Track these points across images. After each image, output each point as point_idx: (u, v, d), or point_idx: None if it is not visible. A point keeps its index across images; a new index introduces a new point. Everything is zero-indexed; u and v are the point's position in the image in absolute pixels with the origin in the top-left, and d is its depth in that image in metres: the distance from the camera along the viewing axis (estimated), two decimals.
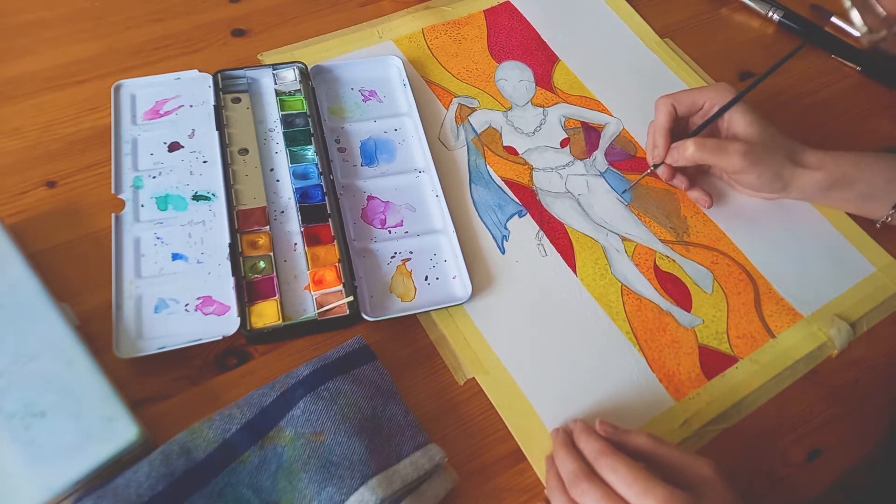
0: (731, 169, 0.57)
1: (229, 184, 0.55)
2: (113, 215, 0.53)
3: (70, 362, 0.44)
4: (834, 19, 0.77)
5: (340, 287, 0.52)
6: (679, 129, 0.60)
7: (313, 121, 0.60)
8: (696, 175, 0.62)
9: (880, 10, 0.70)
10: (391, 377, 0.48)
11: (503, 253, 0.56)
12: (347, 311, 0.50)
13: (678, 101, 0.58)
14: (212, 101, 0.60)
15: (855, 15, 0.74)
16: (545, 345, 0.52)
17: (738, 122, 0.57)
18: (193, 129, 0.59)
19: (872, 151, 0.58)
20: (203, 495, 0.42)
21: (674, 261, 0.57)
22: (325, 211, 0.55)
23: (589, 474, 0.41)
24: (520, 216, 0.58)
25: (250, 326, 0.49)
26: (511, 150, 0.63)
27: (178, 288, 0.51)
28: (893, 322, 0.56)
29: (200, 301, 0.51)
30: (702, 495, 0.40)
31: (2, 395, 0.42)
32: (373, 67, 0.66)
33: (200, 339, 0.48)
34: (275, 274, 0.52)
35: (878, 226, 0.60)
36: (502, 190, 0.60)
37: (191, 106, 0.61)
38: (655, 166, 0.59)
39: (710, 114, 0.58)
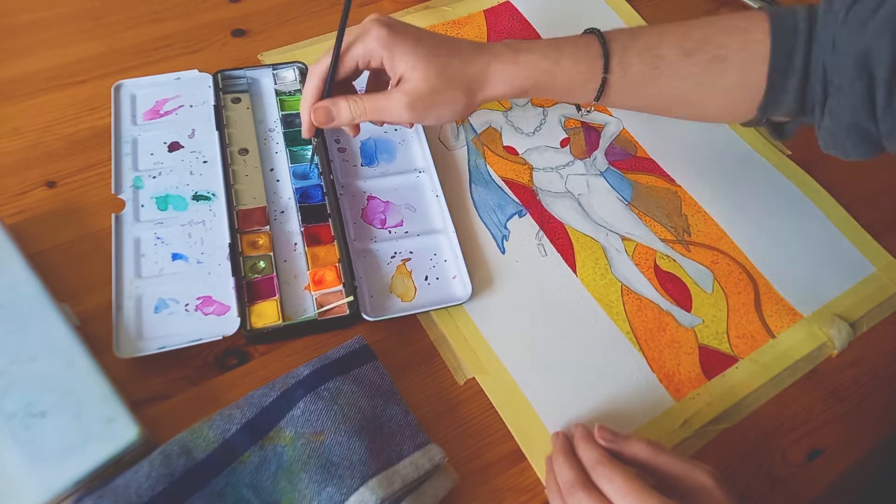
0: (401, 123, 0.52)
1: (229, 184, 0.55)
2: (113, 215, 0.53)
3: (70, 362, 0.44)
4: None
5: (340, 287, 0.52)
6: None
7: None
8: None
9: None
10: (391, 377, 0.48)
11: (503, 253, 0.56)
12: (347, 311, 0.50)
13: (342, 63, 0.49)
14: (212, 101, 0.60)
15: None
16: (545, 345, 0.52)
17: (400, 65, 0.48)
18: (193, 129, 0.59)
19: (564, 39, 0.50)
20: (203, 495, 0.42)
21: (674, 260, 0.57)
22: (325, 211, 0.55)
23: (585, 483, 0.41)
24: (520, 216, 0.58)
25: (250, 326, 0.49)
26: (511, 150, 0.63)
27: (178, 288, 0.51)
28: (893, 322, 0.56)
29: (200, 301, 0.51)
30: None
31: (2, 395, 0.42)
32: None
33: (200, 339, 0.48)
34: (275, 274, 0.52)
35: (581, 112, 0.57)
36: (502, 190, 0.60)
37: (191, 106, 0.61)
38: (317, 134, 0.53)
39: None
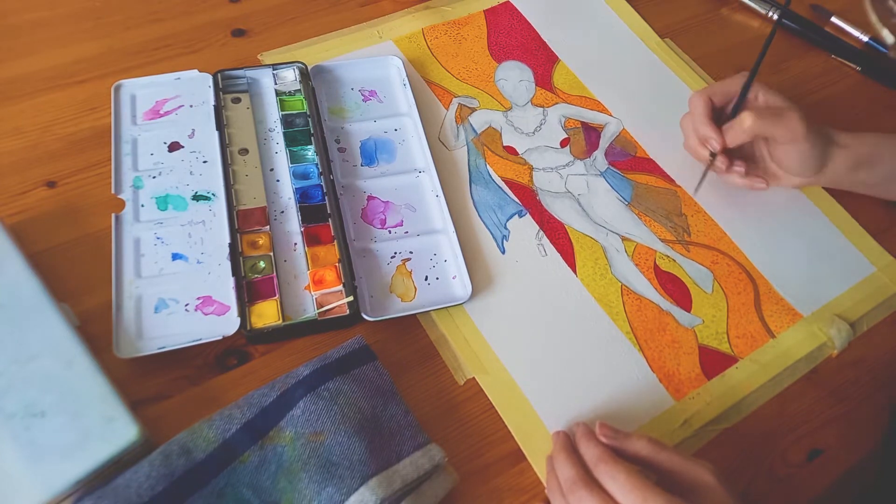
0: (789, 136, 0.55)
1: (229, 184, 0.55)
2: (113, 215, 0.53)
3: (70, 362, 0.44)
4: (834, 19, 0.77)
5: (340, 287, 0.52)
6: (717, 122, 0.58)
7: (313, 121, 0.60)
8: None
9: None
10: (391, 377, 0.48)
11: (503, 253, 0.56)
12: (347, 311, 0.50)
13: (713, 93, 0.58)
14: (212, 101, 0.60)
15: (886, 33, 0.74)
16: (545, 345, 0.52)
17: (775, 101, 0.56)
18: (193, 129, 0.59)
19: (891, 133, 0.59)
20: (203, 495, 0.42)
21: (674, 260, 0.57)
22: (325, 211, 0.55)
23: (587, 481, 0.41)
24: (520, 216, 0.58)
25: (250, 326, 0.49)
26: (511, 150, 0.63)
27: (178, 288, 0.51)
28: (893, 322, 0.56)
29: (200, 301, 0.51)
30: (701, 501, 0.40)
31: (2, 395, 0.42)
32: (373, 67, 0.66)
33: (200, 339, 0.48)
34: (275, 274, 0.52)
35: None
36: (502, 190, 0.60)
37: (191, 106, 0.61)
38: (714, 155, 0.58)
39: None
